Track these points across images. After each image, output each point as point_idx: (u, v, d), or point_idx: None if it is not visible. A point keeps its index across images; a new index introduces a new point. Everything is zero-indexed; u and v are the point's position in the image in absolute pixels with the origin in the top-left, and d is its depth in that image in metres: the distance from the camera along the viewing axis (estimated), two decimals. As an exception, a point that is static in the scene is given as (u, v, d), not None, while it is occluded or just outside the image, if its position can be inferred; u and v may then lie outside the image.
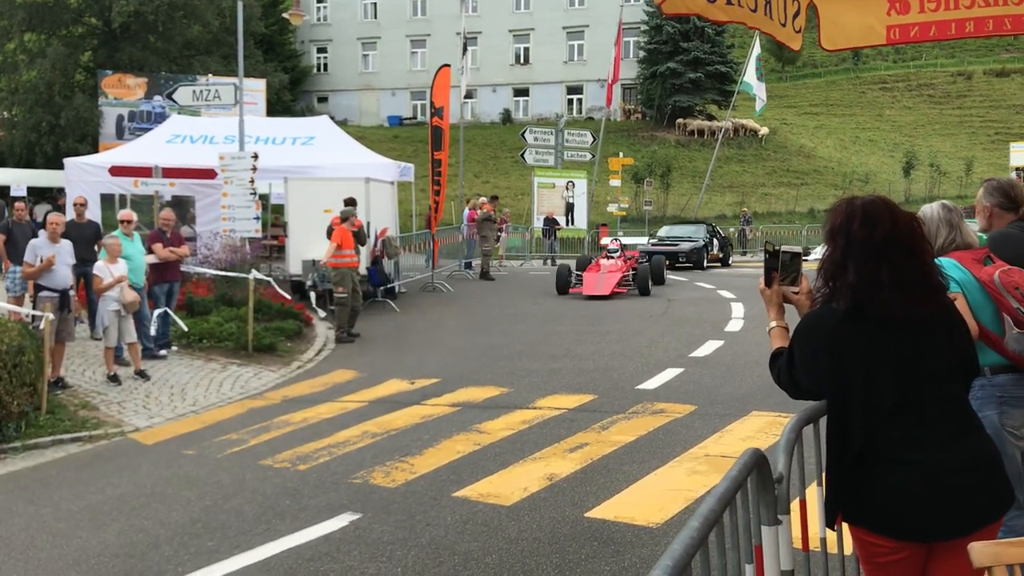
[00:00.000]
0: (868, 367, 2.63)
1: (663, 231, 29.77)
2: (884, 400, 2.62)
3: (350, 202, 14.76)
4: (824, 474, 2.80)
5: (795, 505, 3.10)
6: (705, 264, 26.75)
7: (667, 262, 23.77)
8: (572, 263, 21.35)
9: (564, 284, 18.45)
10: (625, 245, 21.79)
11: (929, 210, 3.64)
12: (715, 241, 28.38)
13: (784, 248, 3.12)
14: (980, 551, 2.32)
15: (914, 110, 66.68)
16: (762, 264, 3.10)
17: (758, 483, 2.61)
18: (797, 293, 3.07)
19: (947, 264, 3.49)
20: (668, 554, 1.75)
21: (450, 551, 5.36)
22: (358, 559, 5.30)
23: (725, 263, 28.60)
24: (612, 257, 19.20)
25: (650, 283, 18.48)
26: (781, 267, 3.09)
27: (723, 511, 2.14)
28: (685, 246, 26.79)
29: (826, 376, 2.69)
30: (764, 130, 53.57)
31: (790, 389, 2.87)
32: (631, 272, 18.72)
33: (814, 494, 3.06)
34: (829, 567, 3.16)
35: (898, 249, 2.67)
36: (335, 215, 14.56)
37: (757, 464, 2.56)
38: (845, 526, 2.77)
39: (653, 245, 26.79)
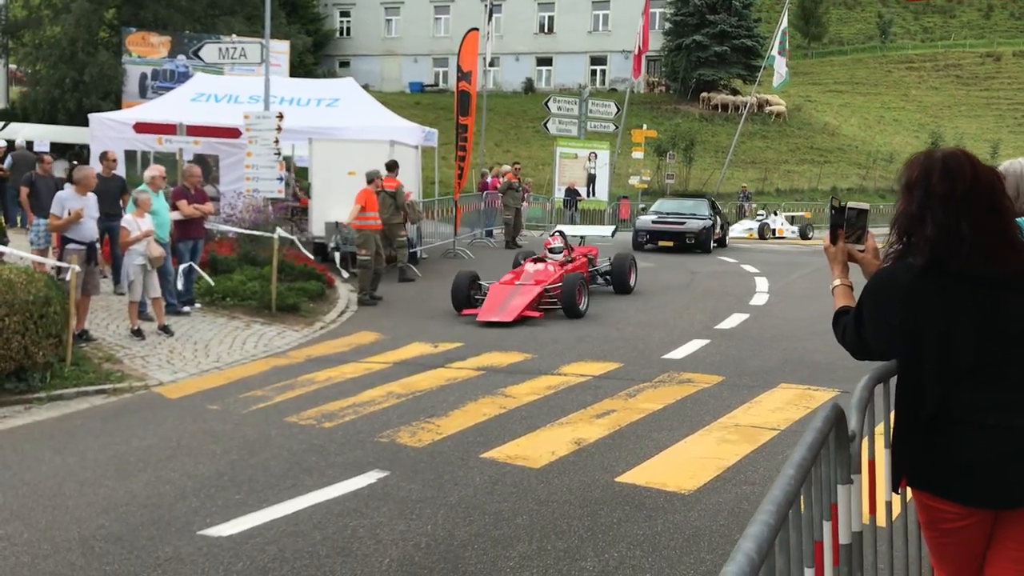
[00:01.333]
0: (947, 324, 2.51)
1: (658, 205, 25.48)
2: (961, 359, 2.51)
3: (392, 166, 14.68)
4: (891, 436, 2.70)
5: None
6: (711, 246, 22.73)
7: (672, 243, 21.88)
8: (516, 256, 14.82)
9: (461, 300, 12.50)
10: (583, 238, 16.18)
11: (1017, 166, 3.49)
12: (717, 218, 24.16)
13: (850, 204, 2.99)
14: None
15: (941, 91, 65.94)
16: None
17: (835, 439, 2.51)
18: (863, 251, 2.96)
19: (1027, 224, 3.36)
20: (769, 499, 1.66)
21: (480, 510, 5.31)
22: (387, 515, 5.26)
23: (723, 243, 24.47)
24: (549, 260, 13.22)
25: (584, 302, 12.36)
26: (847, 224, 2.97)
27: (813, 460, 2.06)
28: (694, 225, 22.49)
29: (898, 333, 2.58)
30: (778, 107, 52.72)
31: (855, 348, 2.76)
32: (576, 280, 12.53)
33: (881, 456, 2.96)
34: (893, 531, 3.06)
35: (979, 203, 2.55)
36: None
37: (836, 419, 2.46)
38: (909, 491, 2.68)
39: (653, 223, 22.93)
